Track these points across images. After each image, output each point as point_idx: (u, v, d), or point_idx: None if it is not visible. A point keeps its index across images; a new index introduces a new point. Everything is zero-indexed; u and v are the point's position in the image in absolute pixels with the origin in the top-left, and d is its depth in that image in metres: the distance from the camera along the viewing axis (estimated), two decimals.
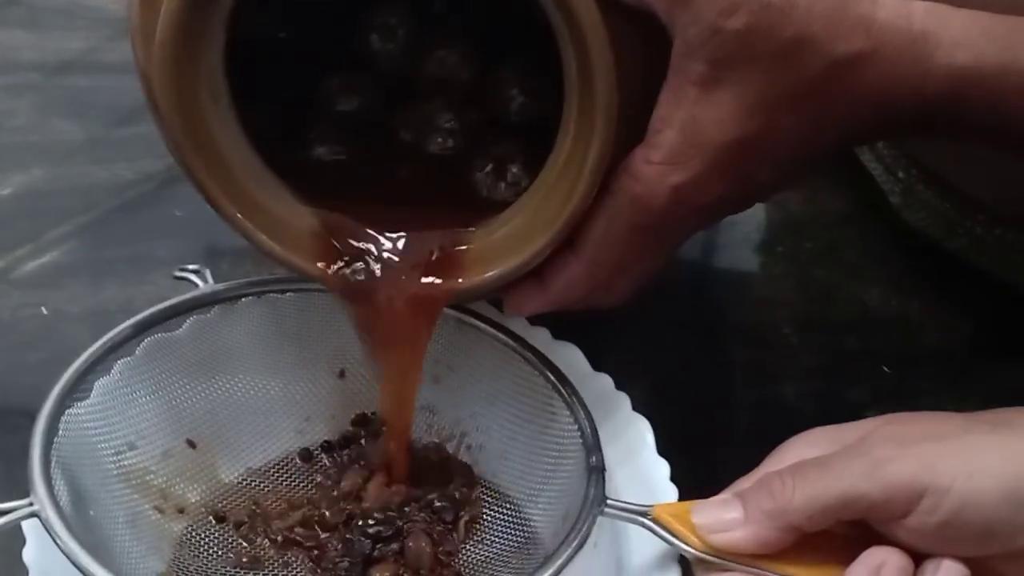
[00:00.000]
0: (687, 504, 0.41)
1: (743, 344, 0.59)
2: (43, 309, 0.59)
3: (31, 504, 0.39)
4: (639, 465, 0.45)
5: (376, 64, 0.48)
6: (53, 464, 0.40)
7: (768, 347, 0.58)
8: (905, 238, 0.62)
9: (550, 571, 0.39)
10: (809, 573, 0.39)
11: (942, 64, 0.41)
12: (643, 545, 0.44)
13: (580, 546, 0.40)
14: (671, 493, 0.43)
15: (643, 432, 0.45)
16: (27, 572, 0.40)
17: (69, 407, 0.42)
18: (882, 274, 0.62)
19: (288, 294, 0.48)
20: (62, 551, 0.38)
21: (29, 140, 0.71)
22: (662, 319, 0.57)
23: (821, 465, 0.39)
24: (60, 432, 0.41)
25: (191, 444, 0.48)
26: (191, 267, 0.49)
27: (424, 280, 0.44)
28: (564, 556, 0.40)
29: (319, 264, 0.44)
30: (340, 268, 0.44)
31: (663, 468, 0.44)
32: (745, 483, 0.41)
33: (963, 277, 0.60)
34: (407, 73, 0.48)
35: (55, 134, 0.71)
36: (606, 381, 0.47)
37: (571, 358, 0.48)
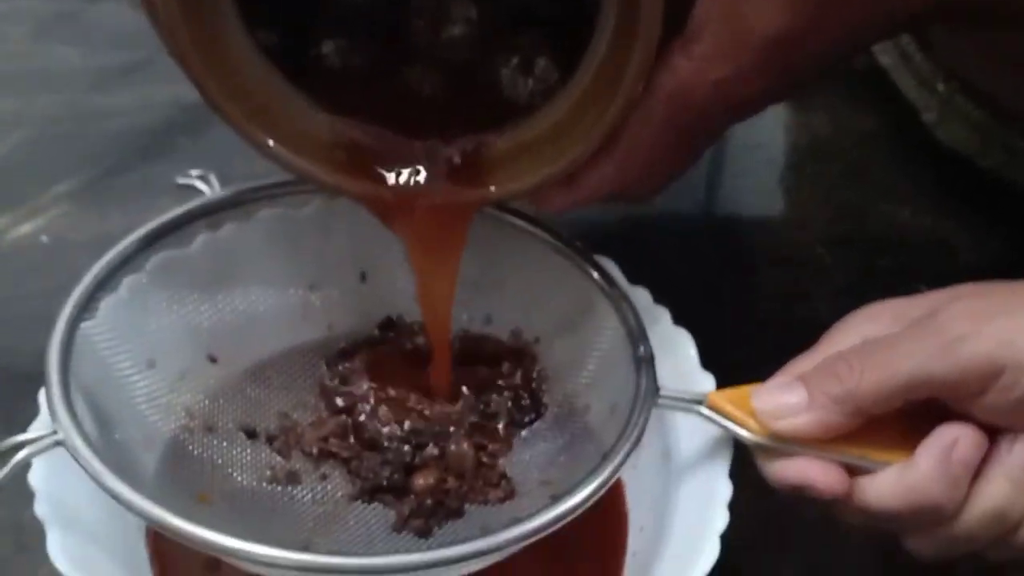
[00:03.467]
0: (745, 389, 0.39)
1: (775, 264, 0.58)
2: (43, 238, 0.57)
3: (55, 433, 0.36)
4: (683, 377, 0.43)
5: None
6: (72, 389, 0.38)
7: (800, 267, 0.57)
8: (935, 158, 0.60)
9: (610, 468, 0.37)
10: (876, 454, 0.38)
11: None
12: (692, 435, 0.42)
13: (638, 440, 0.39)
14: None
15: (686, 345, 0.44)
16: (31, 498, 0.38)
17: (81, 328, 0.40)
18: (913, 193, 0.61)
19: (301, 197, 0.46)
20: (93, 479, 0.35)
21: (29, 66, 0.69)
22: (692, 241, 0.57)
23: (889, 345, 0.37)
24: (75, 355, 0.39)
25: (212, 359, 0.45)
26: (195, 172, 0.46)
27: (453, 188, 0.41)
28: (623, 452, 0.38)
29: (343, 175, 0.41)
30: (365, 178, 0.41)
31: (708, 381, 0.42)
32: (805, 363, 0.39)
33: (996, 194, 0.58)
34: None
35: (55, 62, 0.69)
36: (644, 294, 0.45)
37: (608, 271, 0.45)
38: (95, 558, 0.38)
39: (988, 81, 0.57)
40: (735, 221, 0.62)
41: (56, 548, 0.37)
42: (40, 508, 0.38)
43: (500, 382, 0.46)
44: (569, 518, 0.37)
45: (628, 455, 0.38)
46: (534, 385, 0.46)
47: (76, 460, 0.36)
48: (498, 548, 0.36)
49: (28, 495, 0.38)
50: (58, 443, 0.36)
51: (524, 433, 0.45)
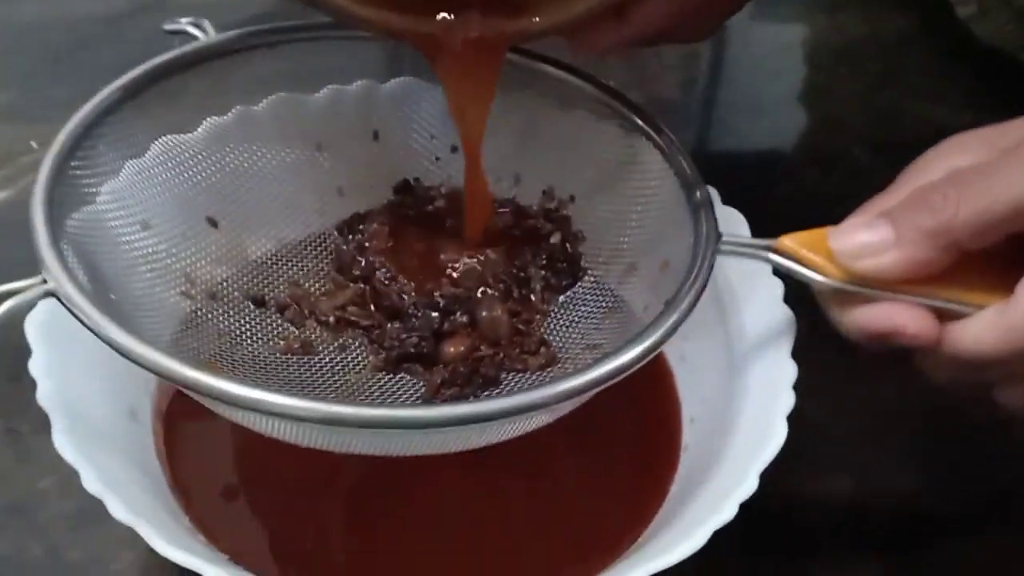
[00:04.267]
0: (820, 231, 0.35)
1: (812, 166, 0.56)
2: (32, 143, 0.53)
3: (44, 282, 0.32)
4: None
5: None
6: (63, 242, 0.33)
7: (838, 169, 0.55)
8: (972, 56, 0.59)
9: (673, 318, 0.34)
10: (969, 296, 0.34)
11: None
12: (755, 320, 0.39)
13: (702, 289, 0.35)
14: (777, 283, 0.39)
15: (739, 223, 0.40)
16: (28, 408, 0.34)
17: (69, 177, 0.35)
18: (951, 93, 0.59)
19: (307, 44, 0.41)
20: (89, 328, 0.31)
21: None
22: (725, 143, 0.56)
23: (986, 173, 0.33)
24: (64, 208, 0.35)
25: (212, 222, 0.41)
26: (185, 20, 0.41)
27: (496, 19, 0.37)
28: (686, 302, 0.34)
29: (379, 9, 0.37)
30: (402, 11, 0.37)
31: None
32: (885, 200, 0.35)
33: None
34: None
35: None
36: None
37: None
38: (101, 452, 0.34)
39: None
40: (769, 126, 0.59)
41: (62, 439, 0.33)
42: (43, 398, 0.34)
43: (533, 245, 0.41)
44: (625, 374, 0.33)
45: (693, 306, 0.34)
46: (570, 247, 0.41)
47: (70, 310, 0.31)
48: (544, 404, 0.32)
49: (24, 404, 0.34)
50: (48, 293, 0.32)
51: (562, 298, 0.40)
